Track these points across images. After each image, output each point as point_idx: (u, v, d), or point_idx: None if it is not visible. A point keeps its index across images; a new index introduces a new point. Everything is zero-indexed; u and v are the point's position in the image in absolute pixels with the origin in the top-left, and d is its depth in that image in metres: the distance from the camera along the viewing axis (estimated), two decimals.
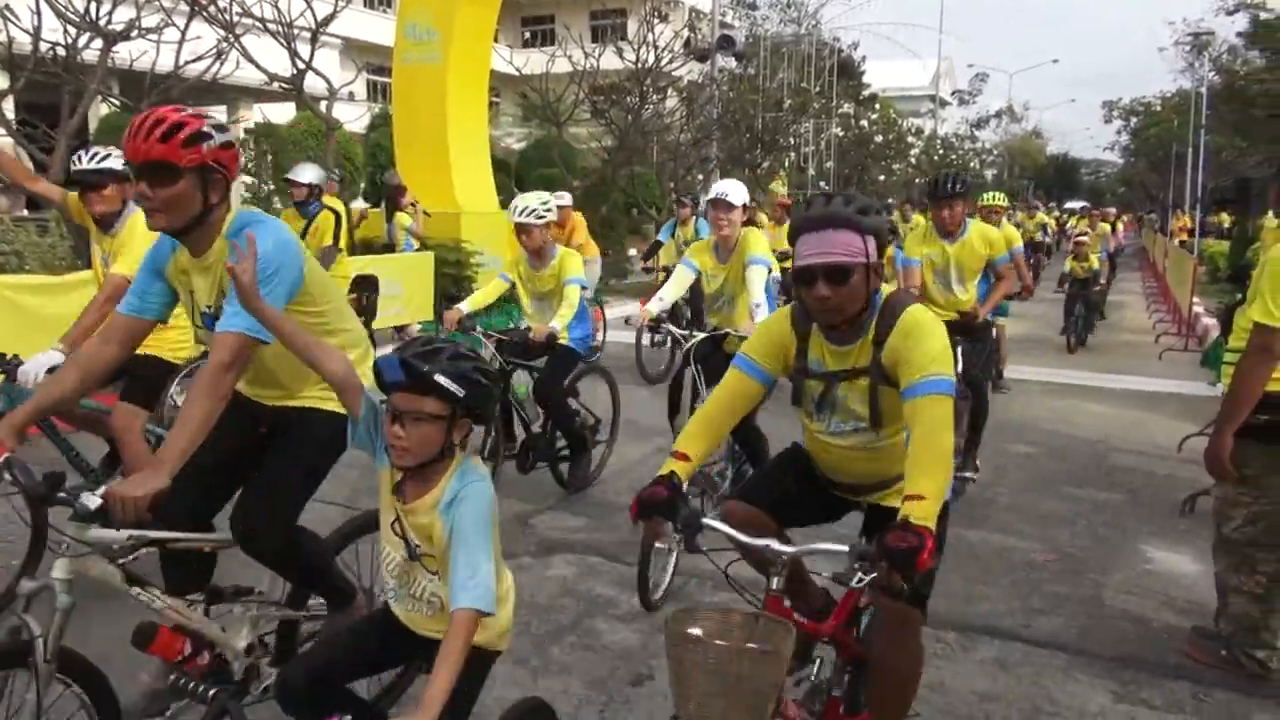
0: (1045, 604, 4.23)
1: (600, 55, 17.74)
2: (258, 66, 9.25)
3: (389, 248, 10.89)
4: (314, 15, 9.27)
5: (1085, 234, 13.38)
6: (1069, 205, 42.14)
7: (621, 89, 18.22)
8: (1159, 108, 42.83)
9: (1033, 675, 3.58)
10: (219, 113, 19.83)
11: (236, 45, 8.81)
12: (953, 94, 53.43)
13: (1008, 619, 4.07)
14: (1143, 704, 3.39)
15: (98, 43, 8.07)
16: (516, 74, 19.66)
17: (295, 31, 9.54)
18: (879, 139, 29.79)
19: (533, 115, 23.64)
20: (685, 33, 20.19)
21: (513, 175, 20.45)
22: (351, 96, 18.68)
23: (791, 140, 23.46)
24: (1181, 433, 6.74)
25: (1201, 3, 55.21)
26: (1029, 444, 7.07)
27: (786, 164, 22.30)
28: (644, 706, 3.30)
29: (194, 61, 9.17)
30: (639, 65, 17.31)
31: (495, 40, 14.51)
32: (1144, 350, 11.72)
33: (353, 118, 19.73)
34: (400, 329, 10.00)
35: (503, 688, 3.39)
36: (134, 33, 8.10)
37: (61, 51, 8.22)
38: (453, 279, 10.61)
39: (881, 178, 29.11)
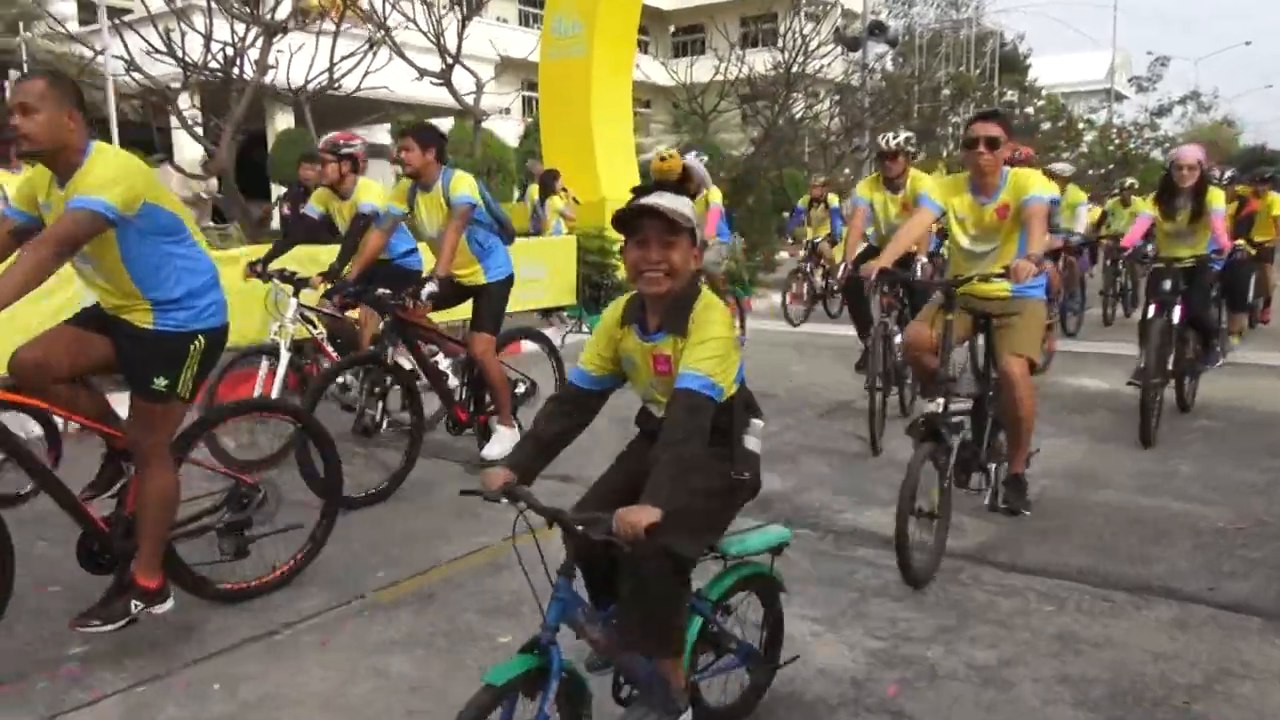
0: (1237, 568, 3.69)
1: (745, 56, 17.48)
2: (408, 62, 9.58)
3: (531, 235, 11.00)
4: (463, 6, 9.54)
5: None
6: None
7: (769, 92, 17.88)
8: None
9: (1220, 637, 3.10)
10: (382, 129, 20.95)
11: (389, 40, 9.18)
12: (1129, 80, 49.79)
13: (1191, 581, 3.57)
14: None
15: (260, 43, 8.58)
16: (672, 82, 19.66)
17: (443, 28, 9.86)
18: (1046, 127, 28.03)
19: (684, 123, 23.59)
20: (837, 24, 19.68)
21: None
22: (507, 112, 19.28)
23: (950, 129, 22.41)
24: None
25: None
26: (1209, 419, 6.29)
27: (945, 155, 21.34)
28: None
29: (348, 58, 9.58)
30: (788, 64, 16.91)
31: (646, 51, 14.56)
32: None
33: (507, 131, 20.24)
34: (546, 313, 10.08)
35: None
36: (291, 24, 8.58)
37: (230, 51, 8.79)
38: (595, 266, 10.56)
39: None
